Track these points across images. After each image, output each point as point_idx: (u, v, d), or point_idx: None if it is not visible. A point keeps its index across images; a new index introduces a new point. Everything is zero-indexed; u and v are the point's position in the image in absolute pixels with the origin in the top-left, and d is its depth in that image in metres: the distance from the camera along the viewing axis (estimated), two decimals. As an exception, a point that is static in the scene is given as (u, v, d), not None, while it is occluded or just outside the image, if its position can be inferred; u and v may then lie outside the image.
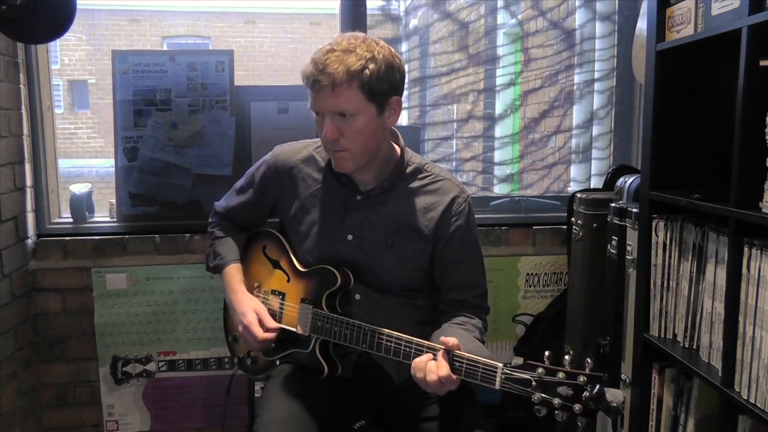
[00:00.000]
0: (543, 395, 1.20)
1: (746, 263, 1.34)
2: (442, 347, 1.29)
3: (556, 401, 1.19)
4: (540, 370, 1.21)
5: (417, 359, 1.31)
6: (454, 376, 1.26)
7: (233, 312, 1.58)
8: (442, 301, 1.56)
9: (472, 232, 1.56)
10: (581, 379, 1.18)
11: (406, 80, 1.49)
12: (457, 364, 1.27)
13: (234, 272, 1.62)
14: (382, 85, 1.39)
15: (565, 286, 2.40)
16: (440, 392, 1.29)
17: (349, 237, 1.52)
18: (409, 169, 1.54)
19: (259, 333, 1.49)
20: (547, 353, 1.23)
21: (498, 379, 1.24)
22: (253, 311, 1.52)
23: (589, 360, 1.20)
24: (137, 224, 2.29)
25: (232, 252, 1.65)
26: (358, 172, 1.50)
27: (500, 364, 1.25)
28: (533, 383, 1.21)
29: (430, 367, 1.27)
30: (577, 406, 1.17)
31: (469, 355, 1.28)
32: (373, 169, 1.51)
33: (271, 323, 1.52)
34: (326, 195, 1.55)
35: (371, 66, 1.36)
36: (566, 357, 1.23)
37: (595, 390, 1.16)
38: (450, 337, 1.30)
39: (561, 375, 1.19)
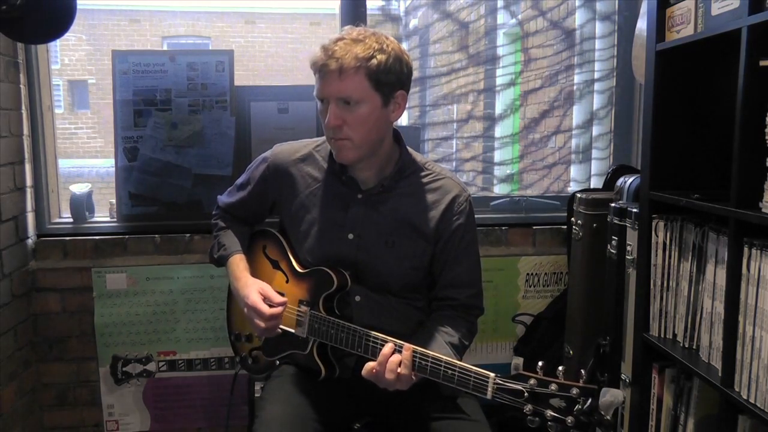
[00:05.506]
0: (535, 407, 1.19)
1: (746, 263, 1.35)
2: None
3: (549, 413, 1.18)
4: (532, 381, 1.21)
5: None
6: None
7: (238, 298, 1.55)
8: (435, 297, 1.56)
9: (471, 231, 1.55)
10: (574, 391, 1.17)
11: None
12: (450, 372, 1.28)
13: (238, 261, 1.60)
14: (389, 76, 1.39)
15: (565, 286, 2.40)
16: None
17: (350, 236, 1.52)
18: (410, 168, 1.54)
19: (265, 308, 1.46)
20: (540, 363, 1.22)
21: (490, 389, 1.24)
22: (257, 291, 1.49)
23: (582, 372, 1.20)
24: (137, 224, 2.29)
25: (236, 243, 1.64)
26: (359, 169, 1.50)
27: (492, 374, 1.25)
28: (525, 394, 1.21)
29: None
30: (569, 419, 1.16)
31: (462, 363, 1.28)
32: (375, 166, 1.51)
33: (278, 299, 1.48)
34: (326, 194, 1.55)
35: (379, 56, 1.37)
36: (560, 368, 1.22)
37: (588, 404, 1.15)
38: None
39: (554, 387, 1.19)
